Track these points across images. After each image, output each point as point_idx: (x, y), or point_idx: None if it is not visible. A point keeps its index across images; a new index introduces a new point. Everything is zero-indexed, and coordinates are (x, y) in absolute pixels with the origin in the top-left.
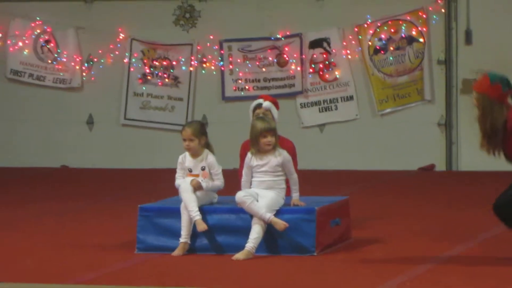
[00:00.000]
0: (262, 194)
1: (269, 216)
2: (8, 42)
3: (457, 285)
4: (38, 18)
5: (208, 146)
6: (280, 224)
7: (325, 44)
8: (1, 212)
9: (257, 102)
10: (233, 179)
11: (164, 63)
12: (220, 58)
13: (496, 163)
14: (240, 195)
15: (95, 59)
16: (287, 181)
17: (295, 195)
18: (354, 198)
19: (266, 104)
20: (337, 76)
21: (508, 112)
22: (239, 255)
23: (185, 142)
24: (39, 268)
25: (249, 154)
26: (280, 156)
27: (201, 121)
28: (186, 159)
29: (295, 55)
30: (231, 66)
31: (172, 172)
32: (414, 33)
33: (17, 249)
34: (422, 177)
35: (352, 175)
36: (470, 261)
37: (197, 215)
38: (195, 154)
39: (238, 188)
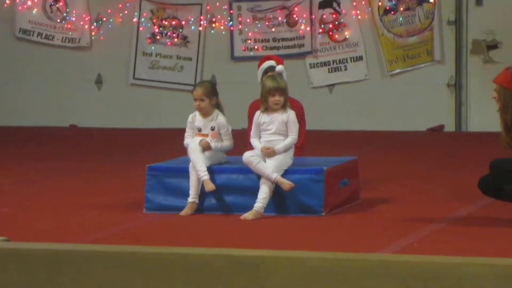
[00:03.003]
0: None
1: (276, 176)
2: (17, 1)
3: (464, 246)
4: None
5: (218, 106)
6: (286, 184)
7: (334, 4)
8: (11, 171)
9: (269, 64)
10: (242, 139)
11: (173, 22)
12: (229, 18)
13: None
14: (247, 155)
15: (104, 19)
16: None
17: (280, 145)
18: (363, 159)
19: (279, 68)
20: (347, 36)
21: None
22: (247, 215)
23: (196, 101)
24: (47, 227)
25: (258, 112)
26: (287, 114)
27: (213, 81)
28: (196, 119)
29: (304, 15)
30: (240, 26)
31: (180, 132)
32: None
33: (27, 208)
34: (431, 138)
35: (361, 135)
36: (477, 223)
37: (205, 175)
38: (205, 114)
39: (246, 148)
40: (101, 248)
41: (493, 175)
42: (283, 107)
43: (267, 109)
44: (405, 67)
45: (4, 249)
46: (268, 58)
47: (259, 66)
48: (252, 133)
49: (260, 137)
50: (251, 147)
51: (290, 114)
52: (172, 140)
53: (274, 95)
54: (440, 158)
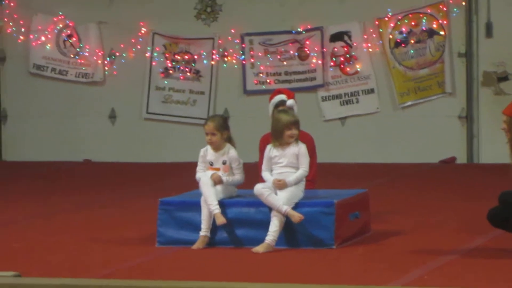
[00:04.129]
0: None
1: (286, 208)
2: (31, 37)
3: (476, 279)
4: (60, 13)
5: (230, 140)
6: (296, 216)
7: (346, 37)
8: (26, 205)
9: (279, 98)
10: (253, 173)
11: (186, 57)
12: (241, 52)
13: None
14: (258, 187)
15: (117, 53)
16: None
17: (291, 178)
18: (374, 191)
19: (290, 102)
20: (358, 69)
21: None
22: (258, 248)
23: (208, 136)
24: (61, 262)
25: (269, 146)
26: (298, 147)
27: (224, 115)
28: (208, 153)
29: (316, 49)
30: (252, 60)
31: (193, 166)
32: (434, 26)
33: (40, 243)
34: (443, 170)
35: (373, 168)
36: (489, 254)
37: (216, 209)
38: (217, 148)
39: (258, 181)
40: (114, 283)
41: (501, 208)
42: (296, 140)
43: (281, 144)
44: (417, 99)
45: (16, 285)
46: (279, 92)
47: (270, 100)
48: (263, 166)
49: (271, 171)
50: (262, 180)
51: (301, 147)
52: (184, 174)
53: (291, 129)
54: (452, 190)
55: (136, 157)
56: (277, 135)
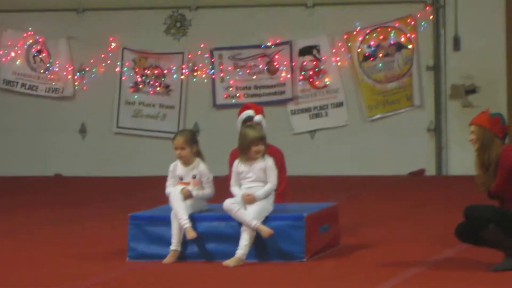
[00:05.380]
0: None
1: (255, 223)
2: (1, 52)
3: None
4: (30, 29)
5: (199, 154)
6: (266, 231)
7: (315, 51)
8: None
9: (247, 114)
10: (224, 187)
11: (156, 71)
12: (211, 66)
13: None
14: (227, 203)
15: (87, 68)
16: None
17: (260, 192)
18: (344, 204)
19: (258, 118)
20: (327, 83)
21: (501, 150)
22: (229, 262)
23: (177, 150)
24: (30, 277)
25: (236, 161)
26: (265, 161)
27: (193, 130)
28: (177, 167)
29: (285, 63)
30: (222, 74)
31: (164, 180)
32: (402, 39)
33: (9, 258)
34: (412, 182)
35: (342, 181)
36: (457, 266)
37: (186, 223)
38: (186, 162)
39: (228, 195)
40: None
41: (467, 223)
42: (263, 155)
43: (248, 159)
44: (385, 112)
45: None
46: (247, 107)
47: (238, 115)
48: (232, 181)
49: (240, 185)
50: (232, 195)
51: (268, 161)
52: (155, 188)
53: (257, 144)
54: (421, 202)
55: (107, 171)
56: (244, 150)
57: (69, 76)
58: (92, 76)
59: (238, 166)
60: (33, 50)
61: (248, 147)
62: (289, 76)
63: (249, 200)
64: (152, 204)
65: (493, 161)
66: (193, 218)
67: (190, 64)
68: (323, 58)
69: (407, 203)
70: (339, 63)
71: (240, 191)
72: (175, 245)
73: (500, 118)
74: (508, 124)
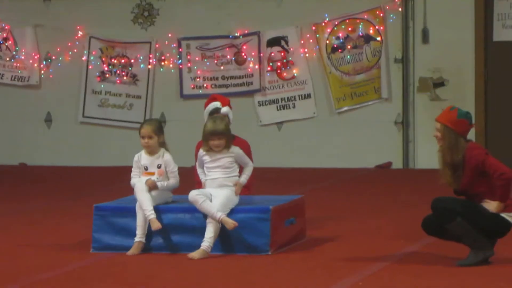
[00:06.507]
0: (216, 194)
1: (220, 215)
2: None
3: (410, 284)
4: None
5: (164, 144)
6: (230, 223)
7: (283, 43)
8: None
9: (214, 105)
10: (189, 178)
11: (123, 61)
12: (178, 56)
13: None
14: (192, 194)
15: (53, 57)
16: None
17: (243, 177)
18: (310, 196)
19: (225, 109)
20: (295, 74)
21: (466, 148)
22: (194, 254)
23: (144, 139)
24: None
25: (201, 150)
26: (232, 153)
27: (159, 119)
28: (142, 157)
29: (253, 54)
30: (189, 64)
31: (130, 170)
32: (371, 31)
33: None
34: (379, 175)
35: (309, 173)
36: (423, 260)
37: (151, 214)
38: (151, 152)
39: (193, 186)
40: None
41: (435, 215)
42: (226, 148)
43: (210, 150)
44: (353, 104)
45: None
46: (214, 98)
47: (205, 106)
48: (198, 168)
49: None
50: (198, 186)
51: (235, 151)
52: (121, 178)
53: (213, 140)
54: (388, 195)
55: (73, 161)
56: (205, 142)
57: (35, 65)
58: (59, 64)
59: (203, 156)
60: None
61: (207, 139)
62: (257, 67)
63: (238, 190)
64: (117, 195)
65: (458, 162)
66: (158, 209)
67: (157, 54)
68: (291, 49)
69: (374, 196)
70: (307, 55)
71: (204, 176)
72: (139, 236)
73: (467, 120)
74: (473, 123)
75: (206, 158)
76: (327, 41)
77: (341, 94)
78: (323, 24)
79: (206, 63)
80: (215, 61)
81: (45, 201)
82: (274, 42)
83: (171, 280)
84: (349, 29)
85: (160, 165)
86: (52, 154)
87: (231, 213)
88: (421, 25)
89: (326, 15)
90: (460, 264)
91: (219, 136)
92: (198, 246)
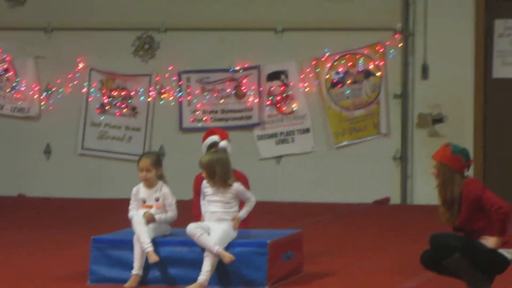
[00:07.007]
0: (214, 228)
1: (218, 249)
2: None
3: None
4: None
5: (162, 177)
6: (227, 257)
7: (282, 77)
8: None
9: (212, 139)
10: (188, 211)
11: (123, 93)
12: (178, 89)
13: None
14: (190, 228)
15: (54, 88)
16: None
17: (242, 212)
18: (308, 231)
19: (223, 143)
20: (294, 108)
21: (463, 184)
22: (191, 287)
23: (142, 172)
24: None
25: (205, 182)
26: (232, 189)
27: (158, 152)
28: (140, 190)
29: (253, 87)
30: (189, 97)
31: (129, 202)
32: (371, 67)
33: None
34: (377, 211)
35: (307, 207)
36: None
37: (149, 247)
38: (150, 185)
39: (191, 220)
40: None
41: (433, 251)
42: (224, 182)
43: (214, 184)
44: (352, 139)
45: None
46: (212, 132)
47: (203, 140)
48: (201, 197)
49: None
50: (196, 219)
51: (235, 188)
52: (120, 210)
53: (203, 172)
54: (385, 231)
55: (71, 193)
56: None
57: (35, 96)
58: (59, 96)
59: (205, 186)
60: (0, 68)
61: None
62: (256, 100)
63: (236, 224)
64: (115, 228)
65: (456, 198)
66: (156, 242)
67: (157, 87)
68: (291, 83)
69: (372, 232)
70: (306, 89)
71: (205, 208)
72: (137, 269)
73: (462, 156)
74: (471, 160)
75: (208, 190)
76: (327, 76)
77: (340, 129)
78: (323, 58)
79: (206, 96)
80: (215, 95)
81: (43, 233)
82: (274, 76)
83: None
84: (349, 64)
85: (158, 198)
86: (51, 185)
87: (229, 247)
88: (421, 61)
89: (326, 49)
90: None
91: (207, 170)
92: (195, 280)
